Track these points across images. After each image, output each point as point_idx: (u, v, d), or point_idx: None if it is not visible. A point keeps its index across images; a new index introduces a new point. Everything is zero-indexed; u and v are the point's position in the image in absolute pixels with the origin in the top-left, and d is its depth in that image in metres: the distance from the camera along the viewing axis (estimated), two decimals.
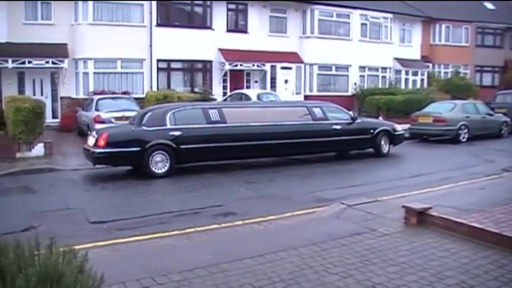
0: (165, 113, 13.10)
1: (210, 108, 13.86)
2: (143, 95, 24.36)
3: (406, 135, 20.21)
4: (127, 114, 16.83)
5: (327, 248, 6.47)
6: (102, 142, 12.36)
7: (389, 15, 33.33)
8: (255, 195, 10.76)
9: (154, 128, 12.76)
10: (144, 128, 12.79)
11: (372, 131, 15.89)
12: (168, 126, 12.82)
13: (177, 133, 12.77)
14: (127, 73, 25.59)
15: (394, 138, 16.48)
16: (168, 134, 12.72)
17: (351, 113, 16.23)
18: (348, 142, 15.50)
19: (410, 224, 7.51)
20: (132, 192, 11.12)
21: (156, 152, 12.52)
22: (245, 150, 13.83)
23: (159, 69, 26.34)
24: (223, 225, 8.16)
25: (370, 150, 16.08)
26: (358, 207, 8.63)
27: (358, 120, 15.92)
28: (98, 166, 13.07)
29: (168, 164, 12.65)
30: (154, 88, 25.60)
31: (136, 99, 21.78)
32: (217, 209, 9.37)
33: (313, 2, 30.12)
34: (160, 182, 12.12)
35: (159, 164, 12.58)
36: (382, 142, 16.03)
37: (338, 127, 15.14)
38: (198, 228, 7.88)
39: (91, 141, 12.79)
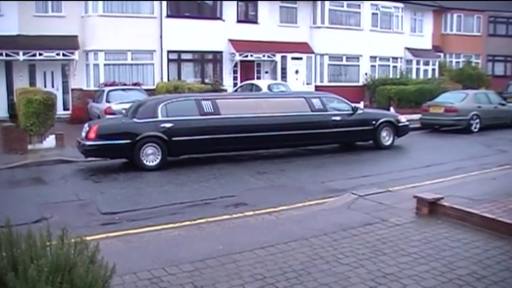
0: (156, 105, 12.93)
1: (203, 99, 13.55)
2: (154, 87, 24.41)
3: (418, 125, 20.18)
4: None
5: (338, 238, 6.46)
6: (92, 134, 12.34)
7: (401, 5, 33.10)
8: (266, 185, 10.77)
9: (145, 120, 12.62)
10: (135, 120, 12.70)
11: (373, 122, 15.41)
12: (160, 118, 12.65)
13: (168, 125, 12.59)
14: (137, 64, 25.62)
15: (398, 130, 15.89)
16: (160, 126, 12.55)
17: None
18: (349, 134, 15.07)
19: (422, 214, 7.47)
20: (144, 183, 11.16)
21: (147, 145, 12.39)
22: (239, 142, 13.52)
23: (169, 60, 26.35)
24: (234, 215, 8.17)
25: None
26: (369, 197, 8.60)
27: (360, 111, 15.54)
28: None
29: (159, 157, 12.51)
30: (165, 79, 25.63)
31: (147, 90, 21.82)
32: (228, 200, 9.39)
33: None
34: (172, 173, 12.13)
35: (150, 156, 12.44)
36: (384, 134, 15.52)
37: (338, 118, 14.71)
38: (210, 219, 7.91)
39: (83, 133, 12.79)
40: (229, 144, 13.48)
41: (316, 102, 14.76)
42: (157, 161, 12.51)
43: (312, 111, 14.50)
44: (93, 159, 13.24)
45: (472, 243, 6.19)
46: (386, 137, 15.61)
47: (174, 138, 12.60)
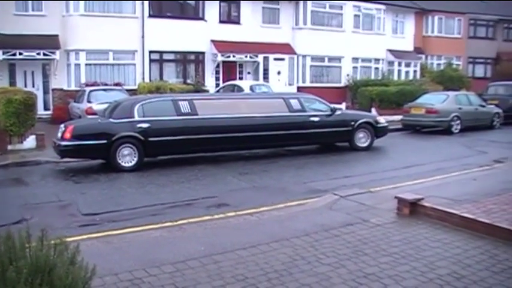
0: (133, 105, 12.83)
1: (181, 99, 13.46)
2: (135, 87, 24.31)
3: (399, 126, 20.30)
4: None
5: (319, 238, 6.48)
6: (68, 135, 12.22)
7: (382, 7, 33.25)
8: (248, 186, 10.76)
9: (122, 121, 12.50)
10: (111, 120, 12.59)
11: (352, 123, 15.34)
12: (136, 118, 12.55)
13: (145, 125, 12.50)
14: (119, 64, 25.46)
15: (376, 131, 15.82)
16: (136, 127, 12.45)
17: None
18: (327, 134, 15.04)
19: (403, 215, 7.53)
20: (125, 183, 11.09)
21: (123, 145, 12.28)
22: (216, 143, 13.43)
23: (151, 60, 26.23)
24: (216, 216, 8.15)
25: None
26: (350, 198, 8.65)
27: (338, 112, 15.48)
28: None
29: (136, 158, 12.42)
30: (147, 79, 25.51)
31: (128, 90, 21.70)
32: (210, 201, 9.37)
33: None
34: (153, 173, 12.07)
35: (127, 157, 12.35)
36: (361, 135, 15.49)
37: (316, 119, 14.69)
38: (191, 220, 7.89)
39: (59, 134, 12.66)
40: (207, 145, 13.40)
41: (294, 103, 14.73)
42: (134, 161, 12.41)
43: (290, 111, 14.48)
44: (74, 159, 13.12)
45: (452, 243, 6.24)
46: (362, 139, 15.56)
47: (151, 139, 12.51)
